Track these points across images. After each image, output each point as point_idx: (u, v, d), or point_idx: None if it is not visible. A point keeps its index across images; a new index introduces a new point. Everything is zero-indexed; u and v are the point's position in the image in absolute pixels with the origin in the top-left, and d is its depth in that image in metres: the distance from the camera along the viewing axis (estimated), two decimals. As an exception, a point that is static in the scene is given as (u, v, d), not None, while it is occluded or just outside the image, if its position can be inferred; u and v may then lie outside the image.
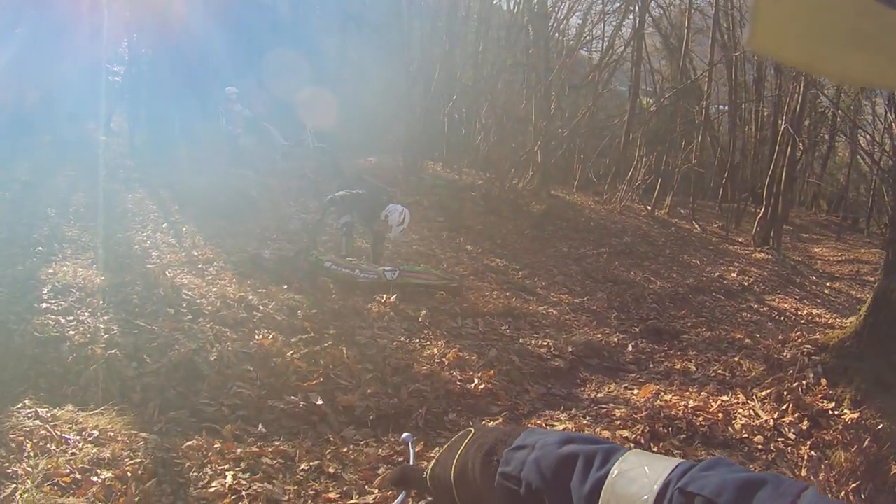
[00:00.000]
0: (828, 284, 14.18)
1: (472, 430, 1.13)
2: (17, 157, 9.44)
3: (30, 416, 3.85)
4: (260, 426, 4.44)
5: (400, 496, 1.30)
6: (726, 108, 21.96)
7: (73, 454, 3.51)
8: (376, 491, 3.74)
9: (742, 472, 0.79)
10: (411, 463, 1.40)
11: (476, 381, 5.85)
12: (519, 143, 17.94)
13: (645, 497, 0.82)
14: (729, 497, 0.75)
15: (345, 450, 4.31)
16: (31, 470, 3.30)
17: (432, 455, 4.20)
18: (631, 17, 21.25)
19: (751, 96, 21.64)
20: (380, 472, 3.98)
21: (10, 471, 3.28)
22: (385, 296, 7.34)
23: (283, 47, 16.85)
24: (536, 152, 16.99)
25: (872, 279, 12.39)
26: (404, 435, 1.50)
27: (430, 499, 1.24)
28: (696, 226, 17.88)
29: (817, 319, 10.68)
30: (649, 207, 18.13)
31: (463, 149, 18.09)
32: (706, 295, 11.18)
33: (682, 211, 19.29)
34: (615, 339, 8.00)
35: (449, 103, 17.56)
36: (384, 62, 17.29)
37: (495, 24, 21.41)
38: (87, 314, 5.33)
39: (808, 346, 7.33)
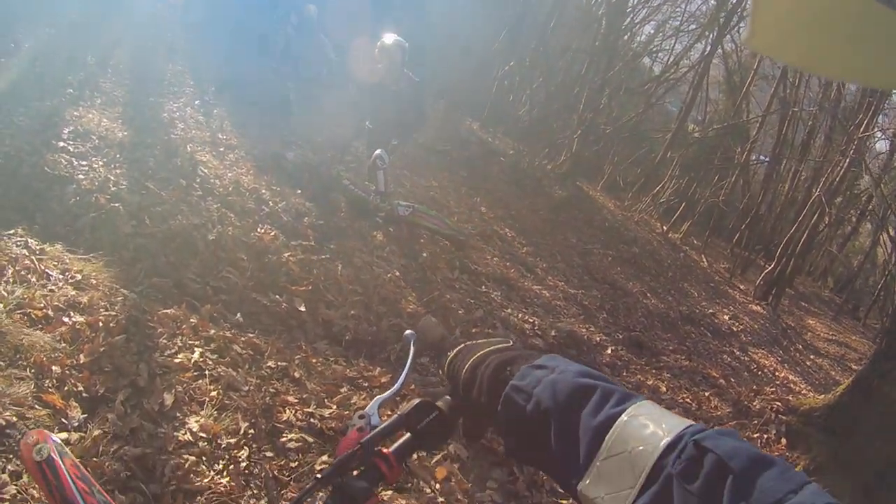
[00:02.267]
0: (811, 357, 14.07)
1: (509, 342, 1.14)
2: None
3: (19, 244, 3.89)
4: (238, 315, 4.45)
5: (403, 371, 1.35)
6: (767, 159, 21.74)
7: (51, 290, 3.55)
8: (334, 407, 3.79)
9: (755, 448, 0.79)
10: (409, 362, 1.41)
11: (457, 333, 5.81)
12: (560, 126, 17.76)
13: (658, 441, 0.82)
14: (740, 463, 0.74)
15: (314, 360, 4.35)
16: (5, 294, 3.33)
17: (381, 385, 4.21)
18: (703, 42, 20.99)
19: (794, 155, 21.42)
20: (342, 390, 4.09)
21: None
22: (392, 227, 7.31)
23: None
24: (574, 140, 16.71)
25: (855, 367, 12.46)
26: (407, 332, 1.49)
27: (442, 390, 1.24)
28: (705, 260, 17.77)
29: (791, 385, 10.59)
30: (665, 227, 18.02)
31: (504, 115, 17.85)
32: (694, 327, 11.14)
33: (695, 241, 19.17)
34: (597, 339, 7.97)
35: (505, 67, 17.36)
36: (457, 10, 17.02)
37: (571, 3, 21.14)
38: (100, 163, 5.32)
39: (779, 404, 7.39)
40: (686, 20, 22.40)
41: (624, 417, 0.86)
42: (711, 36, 19.50)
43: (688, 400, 7.32)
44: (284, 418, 3.56)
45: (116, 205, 4.77)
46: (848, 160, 15.80)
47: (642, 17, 21.94)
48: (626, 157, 21.73)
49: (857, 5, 0.56)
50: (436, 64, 14.09)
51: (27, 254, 3.77)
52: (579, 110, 17.09)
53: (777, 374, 10.95)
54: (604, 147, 19.80)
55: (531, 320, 7.25)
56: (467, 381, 1.09)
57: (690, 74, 20.57)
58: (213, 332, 3.95)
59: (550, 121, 17.32)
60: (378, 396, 1.28)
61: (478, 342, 1.14)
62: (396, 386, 1.33)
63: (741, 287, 17.21)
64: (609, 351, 7.79)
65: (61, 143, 5.31)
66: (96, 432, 2.78)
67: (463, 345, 1.17)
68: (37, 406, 2.76)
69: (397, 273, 6.39)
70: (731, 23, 18.10)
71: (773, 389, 8.85)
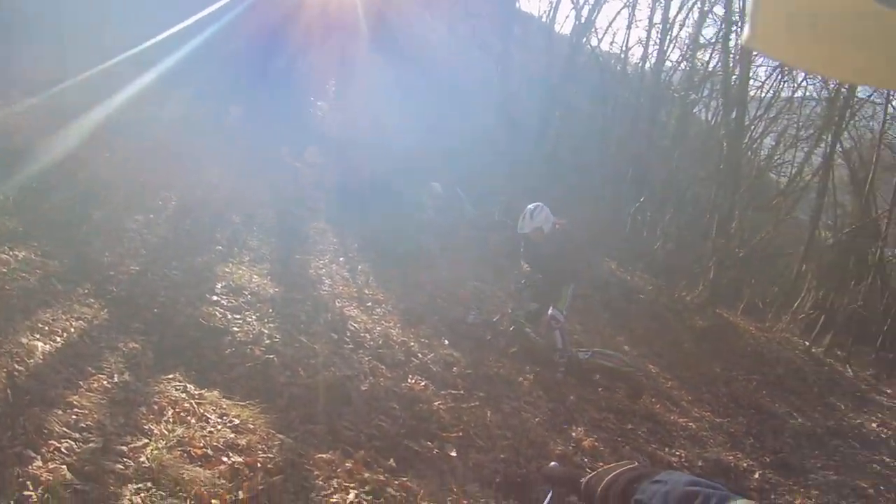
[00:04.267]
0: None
1: (635, 463, 1.29)
2: (212, 159, 9.95)
3: (178, 388, 4.01)
4: (392, 461, 4.38)
5: (548, 495, 1.49)
6: (901, 253, 20.57)
7: (210, 432, 3.63)
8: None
9: None
10: (548, 499, 1.53)
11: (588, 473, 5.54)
12: (695, 257, 17.69)
13: None
14: None
15: (465, 502, 4.28)
16: (166, 433, 3.42)
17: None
18: (822, 145, 20.49)
19: (927, 243, 20.12)
20: None
21: (146, 427, 3.43)
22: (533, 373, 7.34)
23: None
24: (710, 268, 16.57)
25: None
26: (552, 464, 1.62)
27: None
28: (849, 369, 16.62)
29: None
30: (807, 343, 17.16)
31: (640, 251, 17.82)
32: (842, 440, 10.49)
33: (838, 352, 17.97)
34: (745, 464, 7.69)
35: (636, 204, 17.42)
36: (583, 150, 17.44)
37: (692, 132, 21.22)
38: (254, 317, 5.53)
39: None
40: (803, 126, 22.25)
41: None
42: (829, 137, 19.14)
43: (838, 514, 6.91)
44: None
45: (271, 356, 4.89)
46: None
47: (762, 131, 21.81)
48: (763, 278, 21.18)
49: (858, 5, 0.56)
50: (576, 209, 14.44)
51: (186, 397, 3.89)
52: (712, 237, 16.83)
53: (933, 474, 10.11)
54: (740, 271, 19.30)
55: (678, 453, 7.15)
56: (601, 500, 1.22)
57: (815, 181, 20.17)
58: (367, 475, 3.93)
59: (685, 251, 17.07)
60: None
61: (609, 466, 1.28)
62: None
63: (888, 391, 15.95)
64: (757, 476, 7.52)
65: (215, 297, 5.58)
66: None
67: (597, 471, 1.31)
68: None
69: (545, 417, 6.36)
70: (845, 118, 17.91)
71: (923, 494, 8.60)
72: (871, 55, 0.58)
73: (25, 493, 2.62)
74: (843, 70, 0.62)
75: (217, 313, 5.26)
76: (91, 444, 3.05)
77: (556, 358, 7.61)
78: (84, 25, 9.90)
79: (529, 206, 7.63)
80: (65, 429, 3.08)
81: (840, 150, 20.57)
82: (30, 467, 2.76)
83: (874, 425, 12.07)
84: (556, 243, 7.61)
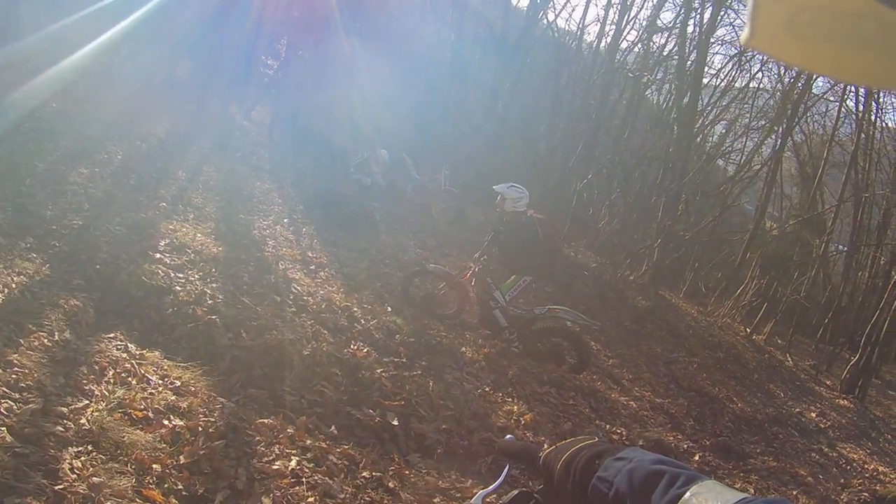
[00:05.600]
0: (902, 447, 13.42)
1: (595, 439, 1.25)
2: (159, 115, 9.81)
3: (119, 347, 3.98)
4: (333, 427, 4.43)
5: (505, 468, 1.46)
6: (845, 248, 21.17)
7: (151, 394, 3.61)
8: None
9: None
10: (505, 472, 1.50)
11: (546, 447, 5.63)
12: (640, 236, 17.95)
13: None
14: None
15: (407, 472, 4.31)
16: (107, 394, 3.40)
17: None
18: (773, 136, 21.06)
19: (871, 241, 20.77)
20: (436, 501, 4.08)
21: (86, 388, 3.40)
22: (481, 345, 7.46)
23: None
24: (655, 249, 16.83)
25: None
26: (508, 437, 1.56)
27: (535, 484, 1.36)
28: (789, 359, 17.21)
29: (881, 476, 10.20)
30: (749, 330, 17.67)
31: (585, 228, 18.02)
32: (782, 427, 10.93)
33: (778, 341, 18.60)
34: (685, 446, 7.88)
35: (583, 180, 17.56)
36: (533, 123, 17.46)
37: (643, 114, 21.42)
38: (196, 277, 5.49)
39: (866, 495, 7.80)
40: (755, 116, 22.72)
41: (687, 496, 0.95)
42: (780, 129, 19.59)
43: (775, 501, 7.00)
44: (380, 526, 3.52)
45: (213, 317, 4.87)
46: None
47: (713, 118, 22.20)
48: (707, 262, 21.63)
49: (858, 5, 0.55)
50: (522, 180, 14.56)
51: (127, 357, 3.86)
52: (658, 218, 17.10)
53: (866, 466, 10.64)
54: (684, 253, 19.71)
55: (619, 431, 7.26)
56: (561, 475, 1.20)
57: (764, 171, 20.65)
58: (309, 442, 3.98)
59: (630, 231, 17.32)
60: (482, 490, 1.41)
61: (568, 441, 1.26)
62: (499, 480, 1.43)
63: (827, 383, 16.63)
64: (697, 458, 7.73)
65: (157, 255, 5.52)
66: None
67: (556, 445, 1.29)
68: (137, 500, 2.79)
69: (487, 389, 6.43)
70: (797, 113, 18.24)
71: (862, 482, 9.04)
72: (873, 55, 0.57)
73: (-38, 455, 2.58)
74: (843, 70, 0.60)
75: (160, 272, 5.20)
76: (31, 405, 3.01)
77: (506, 335, 7.84)
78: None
79: (513, 187, 7.77)
80: (4, 389, 3.04)
81: (791, 142, 21.04)
82: (-34, 428, 2.72)
83: (813, 415, 12.58)
84: (529, 233, 7.67)
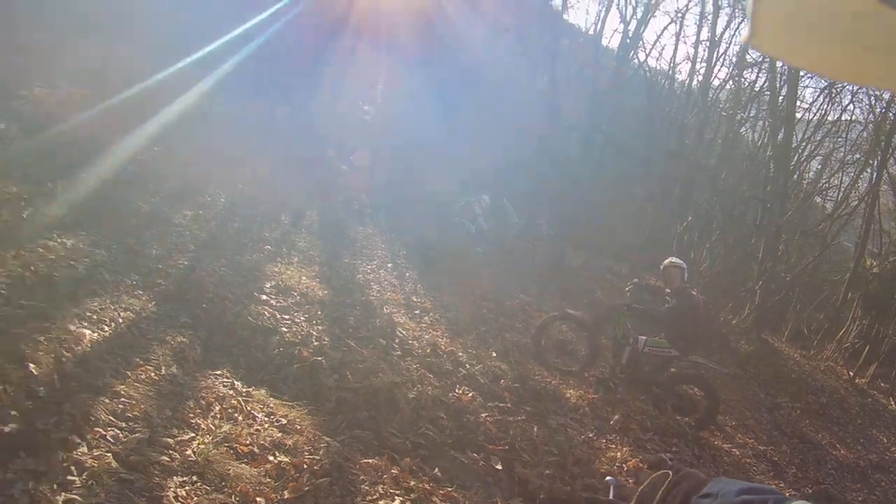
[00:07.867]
0: None
1: (671, 473, 1.34)
2: (259, 159, 10.05)
3: (225, 384, 4.01)
4: (437, 469, 4.36)
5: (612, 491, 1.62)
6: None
7: (256, 430, 3.62)
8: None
9: None
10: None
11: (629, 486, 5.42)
12: (742, 278, 17.44)
13: None
14: None
15: None
16: (213, 428, 3.42)
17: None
18: (868, 170, 19.90)
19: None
20: None
21: (193, 421, 3.43)
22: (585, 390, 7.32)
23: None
24: (756, 291, 16.28)
25: None
26: (608, 478, 1.72)
27: None
28: (893, 402, 16.12)
29: None
30: (851, 373, 16.68)
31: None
32: (884, 474, 10.39)
33: (882, 384, 17.47)
34: (787, 494, 7.16)
35: (683, 224, 17.16)
36: (628, 165, 17.27)
37: (739, 152, 20.94)
38: (303, 318, 5.54)
39: None
40: (850, 150, 21.77)
41: None
42: (875, 162, 18.65)
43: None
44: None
45: (319, 359, 4.89)
46: None
47: (808, 154, 21.29)
48: (809, 303, 20.58)
49: (859, 5, 0.56)
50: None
51: (233, 394, 3.88)
52: (759, 259, 16.61)
53: (976, 505, 10.12)
54: (785, 295, 18.93)
55: None
56: None
57: (861, 207, 19.61)
58: (412, 483, 3.94)
59: (732, 274, 16.78)
60: None
61: (646, 483, 1.34)
62: None
63: None
64: None
65: (263, 297, 5.57)
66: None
67: (639, 490, 1.37)
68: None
69: (591, 435, 6.33)
70: (891, 145, 17.38)
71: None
72: (873, 55, 0.58)
73: (70, 477, 2.59)
74: (843, 70, 0.63)
75: (266, 312, 5.25)
76: (137, 435, 3.02)
77: (618, 372, 7.72)
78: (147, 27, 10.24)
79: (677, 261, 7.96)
80: (111, 417, 3.05)
81: (887, 175, 20.15)
82: (75, 453, 2.73)
83: (918, 461, 11.88)
84: (696, 314, 7.57)
